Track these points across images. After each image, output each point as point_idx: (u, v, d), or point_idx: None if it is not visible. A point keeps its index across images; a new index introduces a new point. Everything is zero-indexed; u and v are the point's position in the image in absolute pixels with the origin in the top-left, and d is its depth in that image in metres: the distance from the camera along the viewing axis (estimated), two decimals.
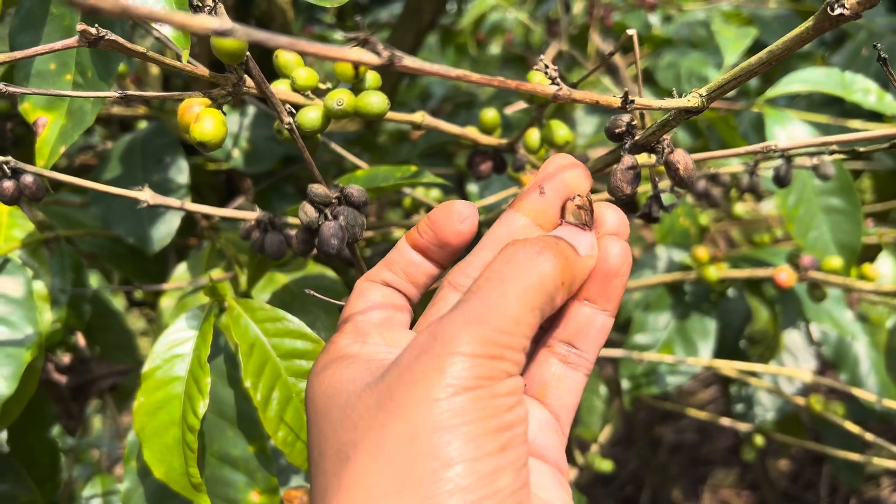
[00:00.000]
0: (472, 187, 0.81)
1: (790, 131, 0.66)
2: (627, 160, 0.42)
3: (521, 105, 0.89)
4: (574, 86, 0.53)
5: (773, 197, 1.15)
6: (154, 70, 1.02)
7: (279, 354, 0.50)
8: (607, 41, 1.22)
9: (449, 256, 0.36)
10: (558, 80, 0.30)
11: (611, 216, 0.35)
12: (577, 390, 0.34)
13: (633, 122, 0.42)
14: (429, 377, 0.28)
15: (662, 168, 0.56)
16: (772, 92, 0.69)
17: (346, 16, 1.21)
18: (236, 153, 0.80)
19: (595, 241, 0.34)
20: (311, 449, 0.31)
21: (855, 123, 0.89)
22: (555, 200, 0.35)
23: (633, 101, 0.32)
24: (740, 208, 0.93)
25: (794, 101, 1.05)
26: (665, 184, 0.50)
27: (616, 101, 0.32)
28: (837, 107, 1.03)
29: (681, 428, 1.93)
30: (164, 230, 0.71)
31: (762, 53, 0.33)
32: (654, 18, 1.34)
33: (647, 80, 1.19)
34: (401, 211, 0.82)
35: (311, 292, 0.43)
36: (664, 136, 0.42)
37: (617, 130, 0.42)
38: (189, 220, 0.76)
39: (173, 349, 0.50)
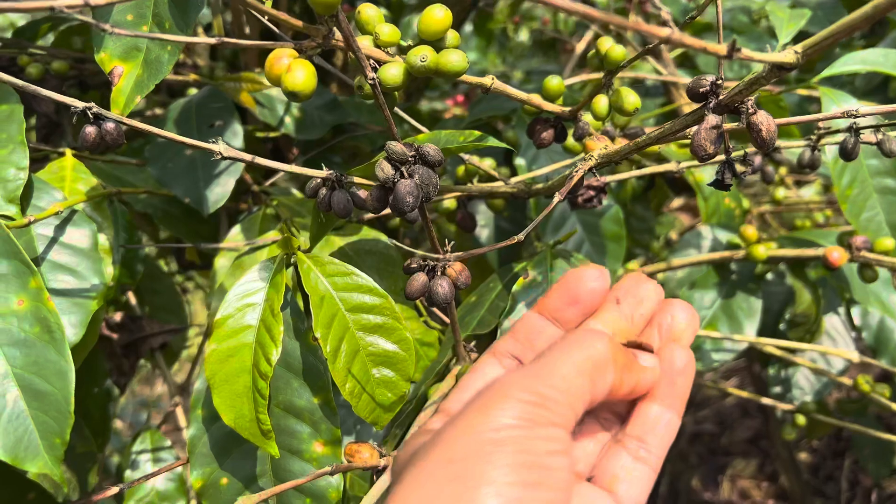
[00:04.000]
0: (520, 160, 0.82)
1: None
2: (712, 119, 0.42)
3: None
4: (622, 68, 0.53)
5: (813, 185, 1.15)
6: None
7: (347, 308, 0.51)
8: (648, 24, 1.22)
9: (577, 316, 0.40)
10: (670, 22, 0.30)
11: (681, 314, 0.40)
12: (645, 485, 0.37)
13: (719, 82, 0.43)
14: (474, 415, 0.32)
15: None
16: (829, 72, 0.69)
17: None
18: (288, 120, 0.80)
19: (656, 359, 0.38)
20: None
21: None
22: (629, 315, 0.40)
23: (739, 49, 0.32)
24: (781, 193, 0.93)
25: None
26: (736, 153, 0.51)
27: (722, 48, 0.33)
28: (881, 95, 1.02)
29: (700, 418, 1.93)
30: (220, 191, 0.72)
31: (867, 7, 0.33)
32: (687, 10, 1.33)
33: (687, 66, 1.19)
34: (450, 180, 0.82)
35: (394, 242, 0.44)
36: (748, 97, 0.42)
37: (701, 90, 0.43)
38: (240, 183, 0.77)
39: (245, 298, 0.51)
